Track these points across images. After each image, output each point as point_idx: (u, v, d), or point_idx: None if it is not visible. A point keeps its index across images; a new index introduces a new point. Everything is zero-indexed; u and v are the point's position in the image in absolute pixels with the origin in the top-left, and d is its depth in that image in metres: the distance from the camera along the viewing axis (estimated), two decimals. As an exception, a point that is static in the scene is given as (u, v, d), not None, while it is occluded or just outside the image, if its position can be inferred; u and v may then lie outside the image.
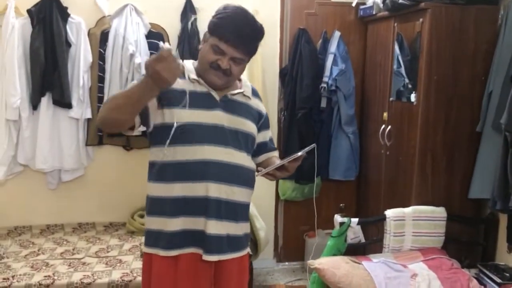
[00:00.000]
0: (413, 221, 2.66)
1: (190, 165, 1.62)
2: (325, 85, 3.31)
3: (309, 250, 3.53)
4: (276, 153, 1.89)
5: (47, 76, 2.95)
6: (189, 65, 1.71)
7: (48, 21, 2.92)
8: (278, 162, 1.72)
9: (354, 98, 3.40)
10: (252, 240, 3.06)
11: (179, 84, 1.61)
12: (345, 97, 3.35)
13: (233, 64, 1.63)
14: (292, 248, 3.66)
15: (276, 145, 3.41)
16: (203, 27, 3.21)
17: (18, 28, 2.94)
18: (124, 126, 1.59)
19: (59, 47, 2.93)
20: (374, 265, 2.50)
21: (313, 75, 3.31)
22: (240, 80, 1.78)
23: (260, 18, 3.44)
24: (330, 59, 3.33)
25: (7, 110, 2.94)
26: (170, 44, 1.68)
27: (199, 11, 3.23)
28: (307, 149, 1.69)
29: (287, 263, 3.69)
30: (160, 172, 1.65)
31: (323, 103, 3.36)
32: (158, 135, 1.63)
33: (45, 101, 3.00)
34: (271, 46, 3.40)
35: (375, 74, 3.32)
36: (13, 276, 2.52)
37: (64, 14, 2.98)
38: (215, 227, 1.64)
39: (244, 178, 1.72)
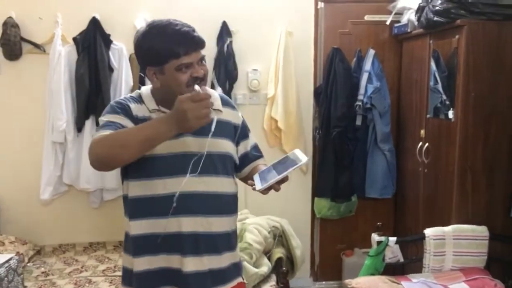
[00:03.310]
0: (454, 240, 2.60)
1: (157, 200, 1.49)
2: (360, 103, 3.32)
3: (346, 269, 3.50)
4: (261, 160, 1.73)
5: (91, 100, 3.09)
6: (146, 92, 1.58)
7: (92, 48, 3.08)
8: (271, 171, 1.49)
9: (389, 116, 3.38)
10: (288, 258, 3.06)
11: (140, 111, 1.52)
12: (381, 115, 3.33)
13: (202, 66, 1.51)
14: (328, 267, 3.63)
15: (311, 164, 3.50)
16: (238, 49, 3.32)
17: (64, 55, 3.10)
18: (121, 164, 1.45)
19: (102, 72, 3.08)
20: (413, 285, 2.46)
21: (348, 93, 3.33)
22: None
23: (294, 39, 3.55)
24: (364, 77, 3.34)
25: (54, 133, 3.09)
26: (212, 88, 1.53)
27: (234, 34, 3.32)
28: (300, 162, 1.44)
29: (324, 282, 3.66)
30: (128, 207, 1.55)
31: (358, 121, 3.36)
32: (130, 168, 1.50)
33: (89, 124, 3.14)
34: (305, 65, 3.45)
35: (411, 91, 3.30)
36: (59, 293, 2.62)
37: (107, 41, 3.13)
38: (194, 264, 1.51)
39: (222, 206, 1.57)
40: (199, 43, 1.49)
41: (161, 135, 1.36)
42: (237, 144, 1.67)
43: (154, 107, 1.54)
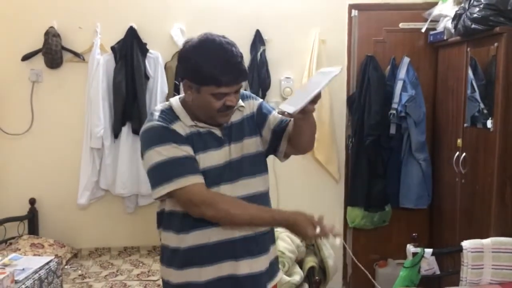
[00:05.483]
0: (493, 253, 2.52)
1: None
2: (394, 112, 3.27)
3: (379, 280, 3.44)
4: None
5: (128, 107, 3.17)
6: (177, 105, 1.58)
7: (129, 57, 3.16)
8: (299, 94, 1.48)
9: (425, 124, 3.32)
10: (320, 268, 3.04)
11: (182, 129, 1.53)
12: (416, 124, 3.28)
13: (236, 95, 1.54)
14: (361, 278, 3.57)
15: (343, 172, 3.47)
16: (271, 57, 3.34)
17: (103, 64, 3.19)
18: None
19: (138, 80, 3.15)
20: (450, 298, 2.39)
21: (381, 101, 3.29)
22: None
23: (327, 47, 3.53)
24: (399, 86, 3.29)
25: (92, 139, 3.18)
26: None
27: (267, 42, 3.34)
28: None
29: (356, 292, 3.61)
30: (175, 221, 1.58)
31: (393, 130, 3.31)
32: None
33: (125, 130, 3.21)
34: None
35: (447, 99, 3.23)
36: (94, 295, 2.68)
37: (143, 49, 3.20)
38: (250, 266, 1.58)
39: (263, 205, 1.64)
40: (243, 76, 1.51)
41: (267, 226, 1.63)
42: (260, 127, 1.65)
43: (191, 123, 1.55)
